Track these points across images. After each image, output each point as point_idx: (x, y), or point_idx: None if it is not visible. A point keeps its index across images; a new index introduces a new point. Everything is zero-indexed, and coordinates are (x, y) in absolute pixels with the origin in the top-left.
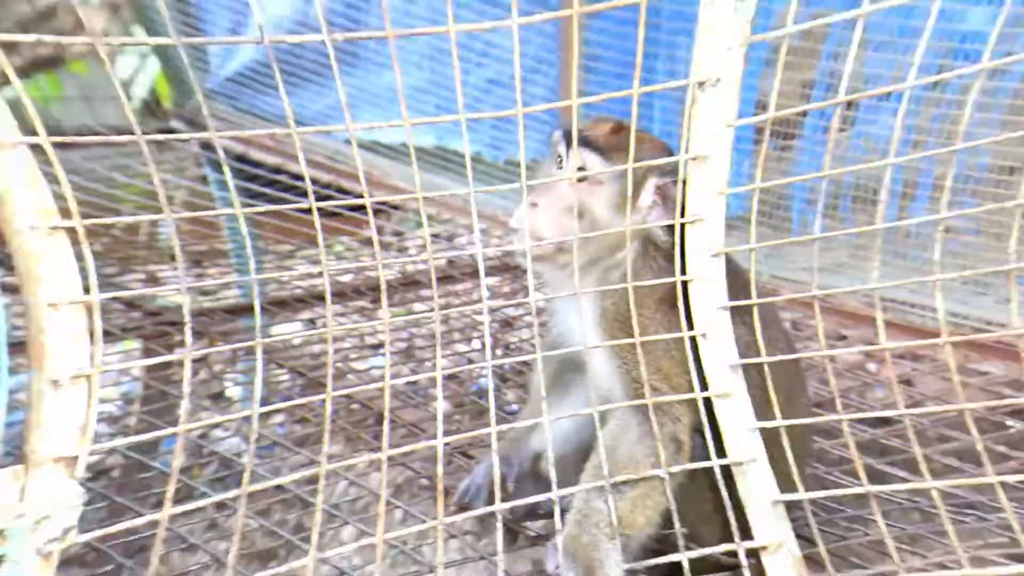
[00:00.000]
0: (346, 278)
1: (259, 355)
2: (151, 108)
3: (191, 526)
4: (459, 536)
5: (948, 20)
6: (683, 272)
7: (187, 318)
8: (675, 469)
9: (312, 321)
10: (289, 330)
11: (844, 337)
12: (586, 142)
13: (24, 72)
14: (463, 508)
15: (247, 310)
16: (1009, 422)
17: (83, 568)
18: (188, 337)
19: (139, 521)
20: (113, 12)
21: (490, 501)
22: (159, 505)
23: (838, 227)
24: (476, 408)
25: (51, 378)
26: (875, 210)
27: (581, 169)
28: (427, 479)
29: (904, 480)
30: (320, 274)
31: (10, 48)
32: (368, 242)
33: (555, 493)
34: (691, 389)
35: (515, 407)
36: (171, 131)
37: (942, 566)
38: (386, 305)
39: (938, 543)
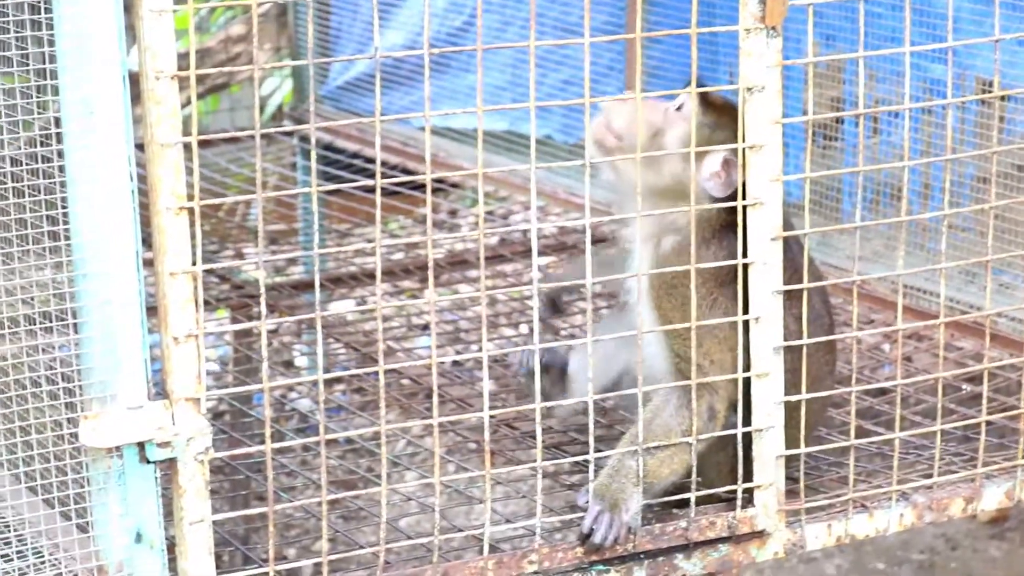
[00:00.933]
0: (397, 257)
1: (319, 325)
2: (275, 115)
3: (288, 460)
4: (504, 483)
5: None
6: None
7: (262, 290)
8: (703, 437)
9: (363, 300)
10: (344, 307)
11: (872, 321)
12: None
13: (202, 95)
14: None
15: (309, 286)
16: (964, 386)
17: (224, 475)
18: (263, 308)
19: (252, 449)
20: (275, 52)
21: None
22: (262, 443)
23: (880, 220)
24: (522, 390)
25: (172, 335)
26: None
27: (681, 107)
28: (475, 443)
29: (881, 435)
30: (373, 252)
31: (200, 80)
32: (421, 221)
33: (592, 456)
34: (732, 363)
35: None
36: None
37: (877, 486)
38: (432, 284)
39: (886, 474)
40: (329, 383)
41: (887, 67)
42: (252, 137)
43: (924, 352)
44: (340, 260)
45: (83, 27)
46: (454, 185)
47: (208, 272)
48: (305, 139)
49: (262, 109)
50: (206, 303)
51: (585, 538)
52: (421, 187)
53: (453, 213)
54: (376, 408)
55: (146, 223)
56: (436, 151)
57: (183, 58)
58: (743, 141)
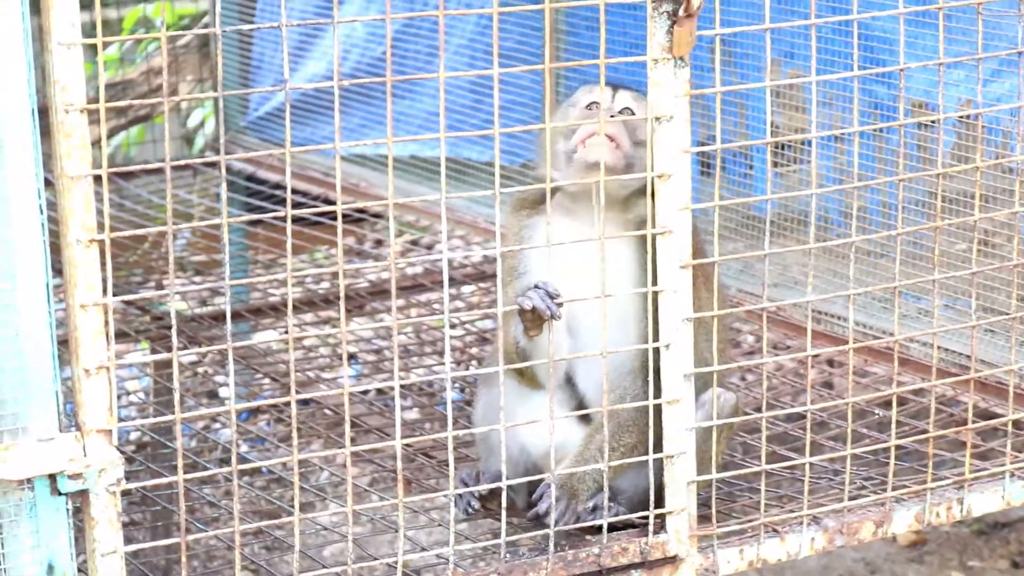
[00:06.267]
0: (323, 286)
1: (230, 356)
2: (204, 146)
3: (212, 491)
4: (421, 512)
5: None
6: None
7: (173, 322)
8: (614, 463)
9: (287, 330)
10: (265, 338)
11: (788, 347)
12: (627, 86)
13: (126, 126)
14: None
15: (232, 316)
16: (877, 411)
17: (143, 506)
18: (174, 338)
19: (164, 480)
20: (198, 83)
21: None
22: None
23: (790, 248)
24: (445, 418)
25: (84, 367)
26: (833, 232)
27: (627, 110)
28: (395, 473)
29: (793, 460)
30: (296, 281)
31: (122, 112)
32: (346, 251)
33: (503, 484)
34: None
35: None
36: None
37: (788, 511)
38: (344, 315)
39: (799, 499)
40: (253, 414)
41: (833, 91)
42: (173, 169)
43: (843, 378)
44: (262, 291)
45: None
46: (376, 215)
47: (128, 304)
48: (225, 170)
49: (191, 140)
50: (127, 335)
51: (538, 518)
52: (343, 216)
53: (379, 243)
54: (300, 438)
55: (59, 253)
56: (357, 181)
57: (109, 89)
58: (652, 170)
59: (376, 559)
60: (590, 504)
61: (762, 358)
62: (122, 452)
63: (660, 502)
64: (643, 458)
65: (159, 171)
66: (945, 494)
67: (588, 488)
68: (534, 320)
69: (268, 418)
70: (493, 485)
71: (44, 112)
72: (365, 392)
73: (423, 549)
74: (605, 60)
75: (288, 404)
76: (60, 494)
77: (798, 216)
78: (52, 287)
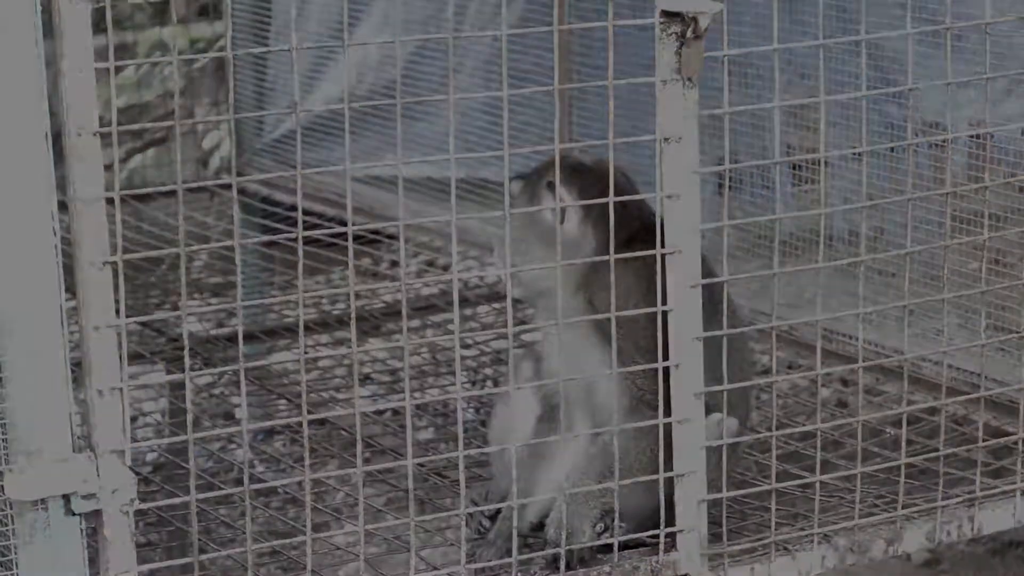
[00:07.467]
0: (339, 306)
1: (242, 377)
2: (219, 168)
3: (229, 511)
4: (435, 532)
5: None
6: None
7: (186, 343)
8: (625, 482)
9: (305, 352)
10: (285, 359)
11: (800, 366)
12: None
13: (143, 149)
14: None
15: (247, 338)
16: (888, 429)
17: (159, 526)
18: (187, 360)
19: (176, 500)
20: (213, 106)
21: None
22: (198, 493)
23: (800, 267)
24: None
25: (97, 388)
26: (854, 251)
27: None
28: (411, 493)
29: (803, 478)
30: (312, 302)
31: (138, 135)
32: (362, 272)
33: (515, 502)
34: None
35: None
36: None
37: (799, 529)
38: (355, 334)
39: (810, 517)
40: (269, 435)
41: (847, 111)
42: (189, 191)
43: (857, 396)
44: (278, 312)
45: (3, 85)
46: (392, 236)
47: (145, 325)
48: (241, 192)
49: (206, 163)
50: (141, 356)
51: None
52: (359, 238)
53: (395, 264)
54: (316, 459)
55: (74, 275)
56: (373, 202)
57: (126, 112)
58: (661, 190)
59: None
60: (599, 527)
61: (774, 378)
62: (139, 473)
63: (668, 522)
64: (653, 476)
65: (175, 193)
66: (956, 512)
67: (587, 520)
68: None
69: (284, 439)
70: (502, 504)
71: (59, 135)
72: (380, 412)
73: (434, 568)
74: (614, 81)
75: (296, 424)
76: (74, 514)
77: (814, 237)
78: (66, 309)
